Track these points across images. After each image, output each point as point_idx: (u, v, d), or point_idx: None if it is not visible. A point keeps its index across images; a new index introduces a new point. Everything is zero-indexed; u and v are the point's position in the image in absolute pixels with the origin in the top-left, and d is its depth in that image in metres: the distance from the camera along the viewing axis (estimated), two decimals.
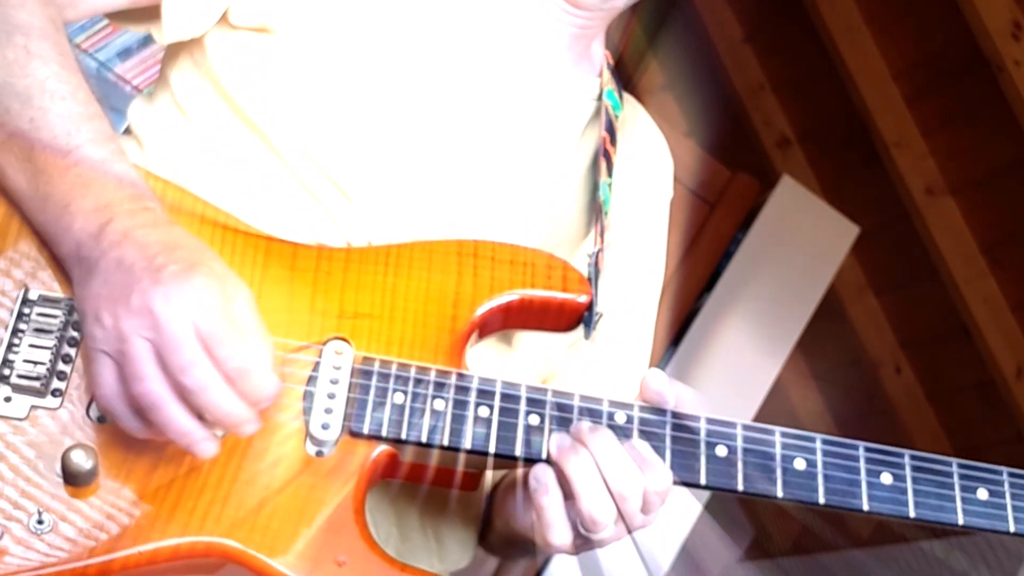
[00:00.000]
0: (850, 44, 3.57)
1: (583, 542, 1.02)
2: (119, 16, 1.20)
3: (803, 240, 3.49)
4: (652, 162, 1.38)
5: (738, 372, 3.30)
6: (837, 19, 3.59)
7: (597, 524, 0.99)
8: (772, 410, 3.31)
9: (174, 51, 1.22)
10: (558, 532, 1.00)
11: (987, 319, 3.43)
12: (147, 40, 2.40)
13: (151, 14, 1.17)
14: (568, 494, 1.00)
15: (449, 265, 1.10)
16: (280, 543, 0.95)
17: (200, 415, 0.92)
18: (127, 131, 1.22)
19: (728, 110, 4.06)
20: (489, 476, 1.25)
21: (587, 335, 1.13)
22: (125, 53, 2.76)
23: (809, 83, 3.86)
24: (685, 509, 3.07)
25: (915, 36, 3.43)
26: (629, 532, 1.02)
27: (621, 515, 1.00)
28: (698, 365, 3.29)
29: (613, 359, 1.29)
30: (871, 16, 3.52)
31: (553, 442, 1.01)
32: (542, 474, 1.00)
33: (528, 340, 1.20)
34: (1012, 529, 1.02)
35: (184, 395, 0.91)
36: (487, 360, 1.16)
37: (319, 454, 0.99)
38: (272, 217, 1.12)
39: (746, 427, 1.03)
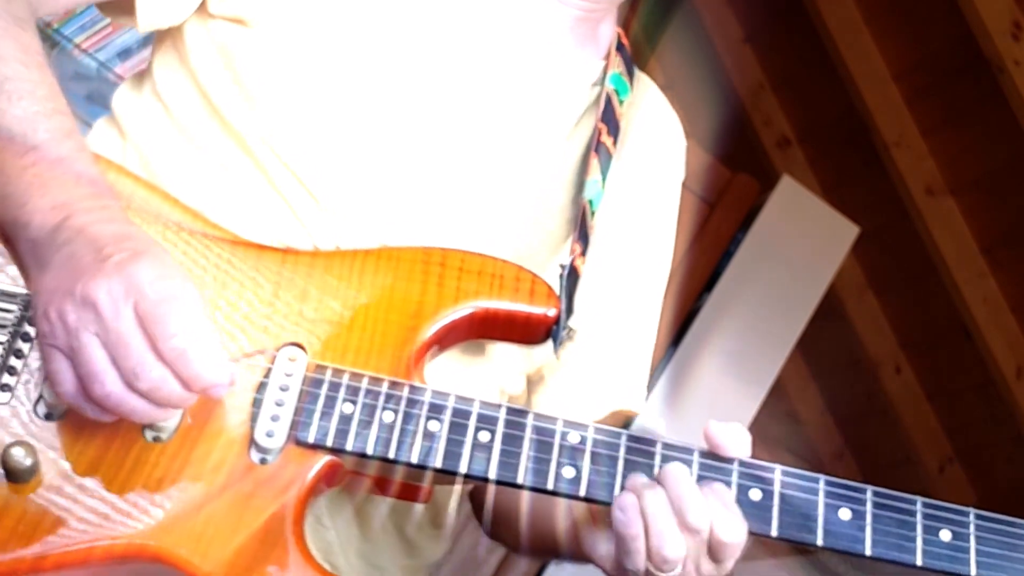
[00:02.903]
0: (850, 44, 3.57)
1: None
2: (101, 7, 1.19)
3: (803, 240, 3.49)
4: (662, 143, 1.34)
5: (738, 372, 3.30)
6: (837, 19, 3.58)
7: (667, 562, 0.97)
8: (772, 410, 3.31)
9: (160, 39, 1.21)
10: (637, 561, 0.98)
11: (987, 319, 3.43)
12: (147, 40, 2.40)
13: (132, 2, 1.16)
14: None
15: (414, 274, 1.08)
16: (213, 550, 0.94)
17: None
18: (111, 118, 1.22)
19: (728, 110, 4.06)
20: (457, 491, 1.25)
21: (555, 350, 1.11)
22: (125, 53, 2.76)
23: (809, 83, 3.86)
24: None
25: (915, 36, 3.43)
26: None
27: (689, 554, 0.97)
28: (698, 365, 3.29)
29: (613, 348, 1.27)
30: (871, 16, 3.52)
31: (630, 479, 0.99)
32: (630, 506, 0.98)
33: (504, 346, 1.18)
34: (973, 573, 1.00)
35: (138, 393, 0.91)
36: (457, 366, 1.14)
37: (263, 461, 0.98)
38: (241, 216, 1.11)
39: (703, 454, 1.02)
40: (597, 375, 1.26)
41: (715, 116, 4.15)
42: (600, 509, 1.02)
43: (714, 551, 0.98)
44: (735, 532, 0.98)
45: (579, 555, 1.08)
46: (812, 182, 3.79)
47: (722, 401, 3.21)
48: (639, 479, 0.99)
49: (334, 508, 1.13)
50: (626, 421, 1.27)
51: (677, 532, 0.96)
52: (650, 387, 1.32)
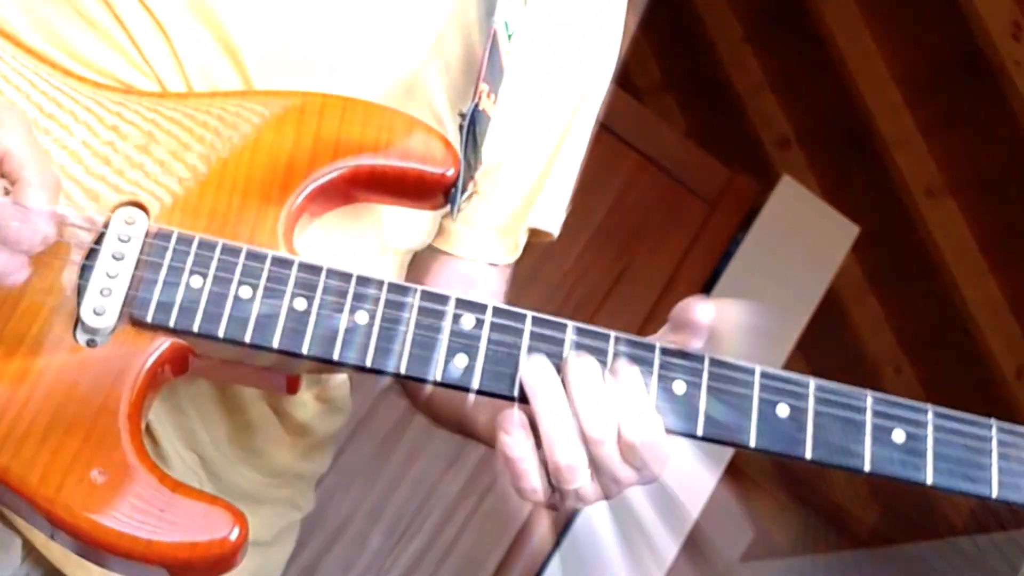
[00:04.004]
0: (850, 44, 3.57)
1: (560, 497, 0.86)
2: None
3: (803, 240, 3.49)
4: None
5: None
6: (837, 19, 3.59)
7: (565, 473, 0.83)
8: None
9: None
10: (530, 481, 0.84)
11: (987, 319, 3.43)
12: None
13: None
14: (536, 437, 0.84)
15: (285, 123, 0.90)
16: (23, 451, 0.79)
17: None
18: None
19: (728, 110, 4.06)
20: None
21: (453, 216, 0.96)
22: None
23: (809, 83, 3.86)
24: (685, 506, 3.06)
25: (915, 36, 3.43)
26: (613, 487, 0.86)
27: (596, 464, 0.83)
28: None
29: (532, 168, 1.12)
30: (871, 16, 3.52)
31: (528, 369, 0.84)
32: (511, 426, 0.83)
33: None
34: (929, 481, 0.85)
35: None
36: (337, 222, 0.97)
37: (91, 344, 0.82)
38: (70, 47, 0.93)
39: (621, 339, 0.86)
40: (512, 197, 1.12)
41: (715, 116, 4.16)
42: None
43: (626, 454, 0.83)
44: (645, 431, 0.83)
45: (467, 430, 0.97)
46: (812, 182, 3.79)
47: None
48: (534, 373, 0.83)
49: (195, 393, 0.97)
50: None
51: (575, 439, 0.82)
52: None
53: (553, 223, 1.17)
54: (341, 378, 1.10)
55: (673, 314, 0.87)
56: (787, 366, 3.42)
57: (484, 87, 0.99)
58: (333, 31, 0.97)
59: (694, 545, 3.31)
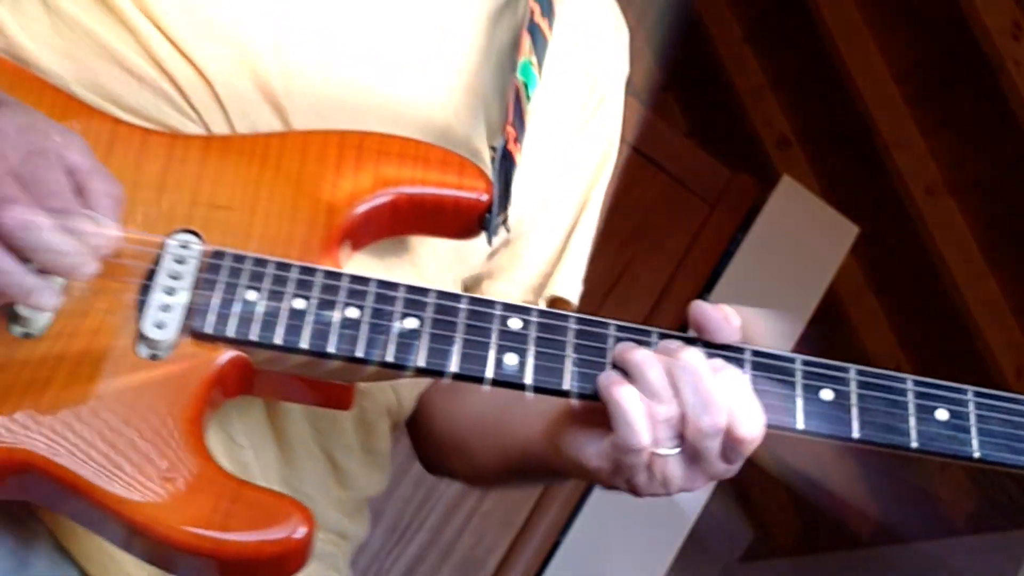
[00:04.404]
0: (850, 44, 3.57)
1: (648, 475, 0.88)
2: None
3: (803, 240, 3.49)
4: (600, 34, 1.22)
5: None
6: (837, 19, 3.59)
7: (663, 430, 0.85)
8: None
9: None
10: (639, 435, 0.85)
11: (987, 319, 3.43)
12: None
13: None
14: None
15: (327, 157, 0.95)
16: (94, 454, 0.82)
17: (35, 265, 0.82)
18: None
19: (728, 110, 4.06)
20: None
21: (489, 241, 1.00)
22: None
23: (809, 83, 3.86)
24: (684, 508, 3.07)
25: (915, 36, 3.43)
26: (699, 473, 0.88)
27: (690, 446, 0.86)
28: None
29: (544, 258, 1.17)
30: (871, 16, 3.52)
31: (623, 348, 0.88)
32: (617, 382, 0.86)
33: (431, 249, 1.05)
34: (976, 455, 0.89)
35: (7, 241, 0.80)
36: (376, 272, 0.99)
37: (153, 357, 0.86)
38: (123, 101, 0.98)
39: (663, 335, 0.91)
40: (533, 266, 1.17)
41: (715, 116, 4.16)
42: (580, 410, 0.91)
43: (727, 441, 0.87)
44: (754, 416, 0.87)
45: (554, 465, 0.96)
46: (812, 182, 3.79)
47: None
48: (629, 349, 0.88)
49: (249, 426, 1.00)
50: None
51: (672, 401, 0.85)
52: None
53: (573, 291, 1.20)
54: (383, 430, 1.13)
55: (697, 318, 0.91)
56: None
57: (511, 131, 1.04)
58: (370, 80, 1.02)
59: (694, 545, 3.31)
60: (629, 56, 1.26)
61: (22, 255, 0.81)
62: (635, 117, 3.45)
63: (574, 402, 0.91)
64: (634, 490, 0.90)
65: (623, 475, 0.89)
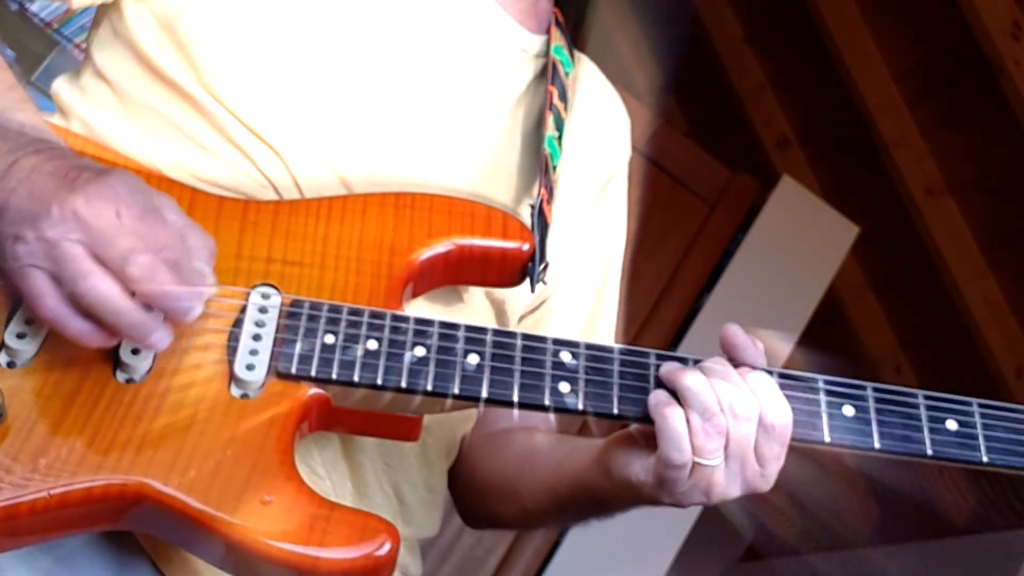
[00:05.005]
0: (850, 44, 3.57)
1: (691, 485, 0.98)
2: None
3: (803, 240, 3.49)
4: (607, 121, 1.35)
5: None
6: (837, 19, 3.59)
7: (709, 439, 0.95)
8: None
9: (97, 22, 1.20)
10: (678, 445, 0.96)
11: (987, 319, 3.43)
12: None
13: None
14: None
15: (385, 215, 1.08)
16: (200, 483, 0.91)
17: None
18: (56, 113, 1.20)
19: (728, 110, 4.07)
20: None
21: (532, 288, 1.11)
22: None
23: (809, 83, 3.86)
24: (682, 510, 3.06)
25: (915, 36, 3.43)
26: (736, 482, 0.99)
27: (730, 445, 0.96)
28: None
29: (574, 324, 1.28)
30: (871, 16, 3.52)
31: (668, 367, 1.00)
32: (666, 403, 0.97)
33: (477, 297, 1.17)
34: (984, 459, 1.02)
35: (130, 286, 0.89)
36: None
37: (244, 396, 0.96)
38: (199, 173, 1.10)
39: (696, 362, 1.01)
40: (566, 327, 1.28)
41: (715, 116, 4.16)
42: (625, 435, 1.03)
43: (761, 438, 0.98)
44: (783, 413, 0.98)
45: (604, 490, 1.05)
46: (812, 182, 3.79)
47: None
48: (673, 367, 0.99)
49: (327, 459, 1.10)
50: None
51: (717, 419, 0.96)
52: None
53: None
54: (442, 468, 1.23)
55: (729, 339, 1.03)
56: (787, 366, 3.43)
57: (544, 192, 1.16)
58: (419, 162, 1.15)
59: (694, 545, 3.31)
60: (631, 138, 1.39)
61: (145, 301, 0.90)
62: (635, 117, 3.45)
63: (620, 427, 1.02)
64: (677, 502, 1.00)
65: (667, 488, 0.98)
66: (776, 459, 0.99)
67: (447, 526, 1.27)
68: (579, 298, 1.30)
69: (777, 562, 3.96)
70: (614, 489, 1.04)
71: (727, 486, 0.99)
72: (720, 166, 3.54)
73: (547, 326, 1.27)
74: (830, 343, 3.77)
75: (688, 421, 0.96)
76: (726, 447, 0.97)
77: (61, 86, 1.19)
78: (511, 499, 1.21)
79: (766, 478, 1.00)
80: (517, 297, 1.19)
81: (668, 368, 1.00)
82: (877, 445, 1.00)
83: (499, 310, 1.20)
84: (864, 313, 3.85)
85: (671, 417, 0.96)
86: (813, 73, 3.78)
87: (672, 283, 3.43)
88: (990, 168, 3.36)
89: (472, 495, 1.27)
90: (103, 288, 0.89)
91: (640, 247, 3.63)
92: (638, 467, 1.00)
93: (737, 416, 0.96)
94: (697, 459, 0.96)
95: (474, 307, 1.17)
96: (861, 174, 3.73)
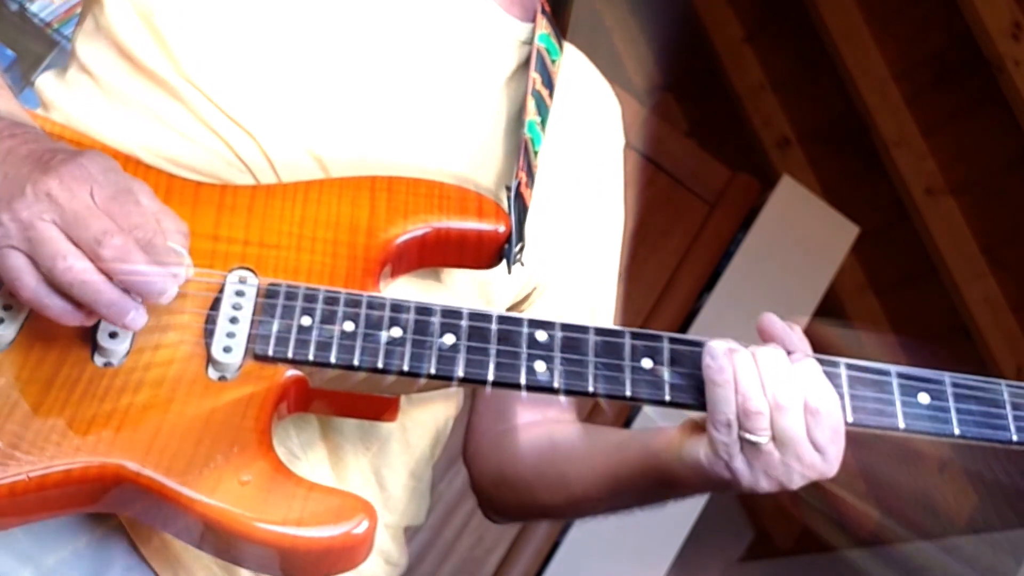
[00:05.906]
0: (850, 44, 3.57)
1: (751, 467, 1.00)
2: None
3: (803, 240, 3.49)
4: (597, 109, 1.35)
5: None
6: (837, 19, 3.59)
7: (751, 416, 0.98)
8: None
9: (82, 17, 1.23)
10: (724, 412, 0.98)
11: (987, 319, 3.43)
12: None
13: None
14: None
15: (361, 198, 1.09)
16: (178, 464, 0.92)
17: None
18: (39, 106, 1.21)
19: (728, 110, 4.07)
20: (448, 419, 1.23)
21: (509, 269, 1.11)
22: None
23: (809, 83, 3.87)
24: (682, 509, 3.07)
25: (915, 36, 3.43)
26: (796, 468, 1.00)
27: (782, 436, 0.98)
28: None
29: (570, 310, 1.28)
30: (871, 16, 3.52)
31: (716, 343, 1.01)
32: (718, 350, 1.00)
33: (460, 280, 1.18)
34: (956, 432, 1.06)
35: (104, 267, 0.90)
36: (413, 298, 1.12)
37: (222, 379, 0.97)
38: (178, 160, 1.11)
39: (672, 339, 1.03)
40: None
41: (715, 116, 4.16)
42: (691, 422, 1.04)
43: (811, 424, 0.99)
44: (828, 399, 1.00)
45: (678, 474, 1.06)
46: (812, 182, 3.79)
47: None
48: (722, 345, 1.01)
49: (306, 442, 1.11)
50: None
51: (761, 390, 0.98)
52: None
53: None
54: (426, 452, 1.22)
55: (767, 328, 1.05)
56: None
57: (523, 176, 1.16)
58: (401, 143, 1.16)
59: (694, 545, 3.31)
60: (623, 124, 1.38)
61: (120, 282, 0.91)
62: (635, 117, 3.46)
63: (694, 417, 1.04)
64: (747, 484, 1.01)
65: (723, 461, 1.00)
66: (832, 444, 1.00)
67: (447, 526, 1.27)
68: (576, 293, 1.30)
69: (777, 562, 3.96)
70: (684, 471, 1.05)
71: (788, 471, 1.00)
72: (720, 166, 3.54)
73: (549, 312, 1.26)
74: (830, 343, 3.78)
75: (736, 387, 0.98)
76: (773, 430, 0.98)
77: (45, 81, 1.20)
78: (558, 487, 1.21)
79: (829, 463, 1.01)
80: (499, 279, 1.19)
81: (719, 342, 1.01)
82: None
83: (484, 292, 1.20)
84: (864, 313, 3.86)
85: (719, 371, 0.99)
86: (813, 73, 3.78)
87: (672, 283, 3.43)
88: (990, 168, 3.36)
89: (509, 489, 1.27)
90: (79, 268, 0.89)
91: (641, 247, 3.64)
92: (700, 444, 1.02)
93: (781, 406, 0.98)
94: (744, 434, 0.98)
95: (457, 289, 1.17)
96: (861, 174, 3.73)
